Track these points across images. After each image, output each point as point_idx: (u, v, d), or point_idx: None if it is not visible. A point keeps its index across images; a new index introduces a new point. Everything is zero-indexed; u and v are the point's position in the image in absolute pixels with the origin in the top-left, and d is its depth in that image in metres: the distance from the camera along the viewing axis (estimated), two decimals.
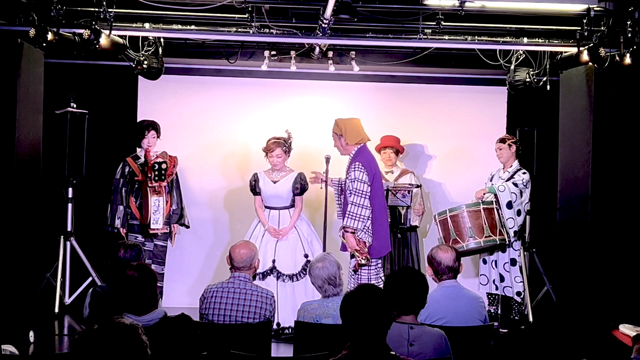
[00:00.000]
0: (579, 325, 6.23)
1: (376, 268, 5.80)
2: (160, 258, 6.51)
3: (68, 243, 6.72)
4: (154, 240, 6.45)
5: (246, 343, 4.02)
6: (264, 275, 6.17)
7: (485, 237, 6.15)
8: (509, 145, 6.67)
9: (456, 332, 3.87)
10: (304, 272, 6.08)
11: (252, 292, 4.39)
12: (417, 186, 6.94)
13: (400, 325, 3.47)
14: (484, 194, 6.53)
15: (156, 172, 6.29)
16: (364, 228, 5.66)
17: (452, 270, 4.28)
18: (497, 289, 6.65)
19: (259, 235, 6.33)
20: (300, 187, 6.36)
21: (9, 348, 4.64)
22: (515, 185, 6.51)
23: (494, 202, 6.30)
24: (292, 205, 6.39)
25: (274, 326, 5.89)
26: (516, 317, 6.61)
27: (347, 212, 5.67)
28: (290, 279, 6.18)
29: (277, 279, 6.18)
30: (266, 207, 6.40)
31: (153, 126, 6.50)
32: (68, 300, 6.70)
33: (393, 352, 2.84)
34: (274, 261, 6.21)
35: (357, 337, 2.83)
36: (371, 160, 5.89)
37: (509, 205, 6.47)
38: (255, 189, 6.40)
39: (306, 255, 6.23)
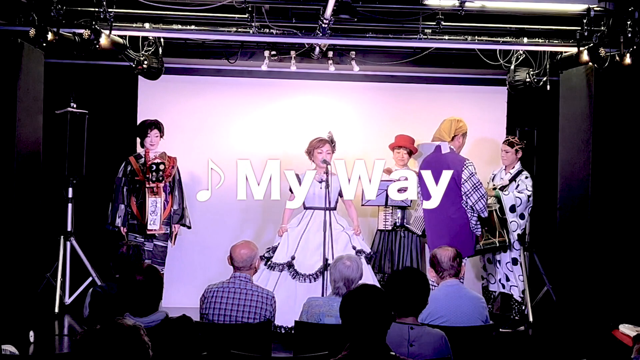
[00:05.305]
0: (579, 325, 6.23)
1: None
2: (160, 258, 6.50)
3: (68, 243, 6.72)
4: (153, 241, 6.45)
5: (246, 343, 4.02)
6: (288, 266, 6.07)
7: (485, 240, 6.17)
8: (516, 151, 6.70)
9: (457, 331, 3.87)
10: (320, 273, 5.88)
11: (253, 293, 4.39)
12: None
13: (401, 326, 3.47)
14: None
15: (154, 173, 6.29)
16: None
17: (452, 268, 4.29)
18: (503, 287, 6.66)
19: (304, 226, 6.21)
20: None
21: (9, 348, 4.64)
22: (524, 193, 6.53)
23: (492, 205, 6.31)
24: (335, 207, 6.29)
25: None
26: (516, 317, 6.61)
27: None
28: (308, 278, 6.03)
29: (294, 278, 6.04)
30: (307, 208, 6.29)
31: (156, 125, 6.49)
32: (68, 300, 6.70)
33: (393, 353, 2.83)
34: (293, 258, 6.12)
35: (357, 338, 2.83)
36: None
37: (512, 209, 6.50)
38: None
39: (355, 248, 6.13)
